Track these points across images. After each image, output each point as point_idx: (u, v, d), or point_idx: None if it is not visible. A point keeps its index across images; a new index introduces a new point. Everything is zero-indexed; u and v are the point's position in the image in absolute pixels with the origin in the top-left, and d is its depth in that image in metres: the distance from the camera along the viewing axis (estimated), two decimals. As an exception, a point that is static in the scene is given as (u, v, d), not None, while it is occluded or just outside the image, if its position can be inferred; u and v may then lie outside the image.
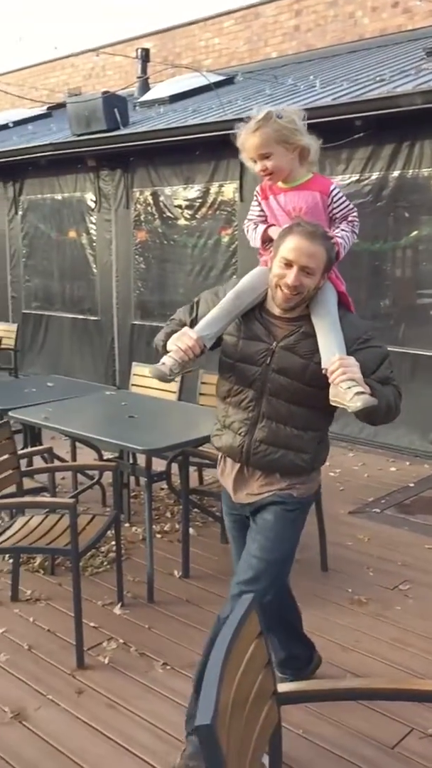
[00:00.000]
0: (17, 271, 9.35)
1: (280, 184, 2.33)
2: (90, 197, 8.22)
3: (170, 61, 11.11)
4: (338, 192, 2.33)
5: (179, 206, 7.30)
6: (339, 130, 5.80)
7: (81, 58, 12.85)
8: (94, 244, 8.27)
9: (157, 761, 2.42)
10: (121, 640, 3.14)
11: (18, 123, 10.97)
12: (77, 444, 4.64)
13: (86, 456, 4.80)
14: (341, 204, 2.34)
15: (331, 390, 2.11)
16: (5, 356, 8.14)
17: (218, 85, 8.34)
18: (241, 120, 2.30)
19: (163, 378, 2.21)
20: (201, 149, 6.86)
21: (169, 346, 2.24)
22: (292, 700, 1.80)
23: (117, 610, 3.40)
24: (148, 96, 9.47)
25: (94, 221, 8.24)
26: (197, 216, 7.14)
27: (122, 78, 11.97)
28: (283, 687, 1.74)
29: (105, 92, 7.99)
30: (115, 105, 7.63)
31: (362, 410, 2.05)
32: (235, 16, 10.74)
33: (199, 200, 7.09)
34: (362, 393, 2.05)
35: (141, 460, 4.03)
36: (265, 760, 1.78)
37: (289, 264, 2.14)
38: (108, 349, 8.18)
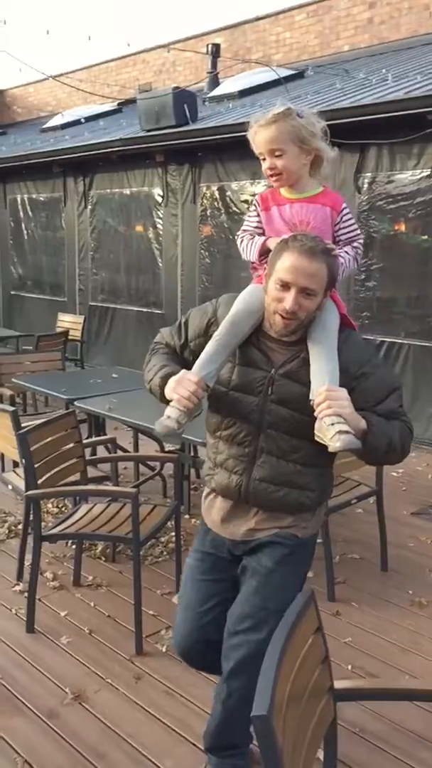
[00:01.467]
0: (85, 264, 9.53)
1: (285, 193, 2.10)
2: (158, 192, 8.31)
3: (240, 56, 11.11)
4: (348, 212, 2.12)
5: (246, 201, 7.30)
6: (411, 125, 5.69)
7: (152, 54, 12.97)
8: (161, 238, 8.36)
9: (211, 750, 2.44)
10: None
11: (89, 119, 11.17)
12: (140, 435, 4.72)
13: (148, 447, 4.87)
14: (349, 226, 2.11)
15: (317, 423, 1.88)
16: (72, 347, 8.32)
17: (288, 79, 8.30)
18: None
19: (172, 433, 1.93)
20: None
21: (169, 394, 1.97)
22: (349, 697, 1.80)
23: (175, 599, 3.45)
24: (218, 91, 9.50)
25: (161, 216, 8.33)
26: (263, 211, 7.12)
27: (192, 73, 12.03)
28: (340, 684, 1.74)
29: (175, 88, 8.05)
30: (184, 100, 7.68)
31: (345, 451, 1.84)
32: (308, 9, 10.64)
33: (266, 195, 7.07)
34: (345, 432, 1.81)
35: (202, 452, 4.06)
36: (320, 755, 1.79)
37: (286, 286, 1.88)
38: (172, 342, 8.27)
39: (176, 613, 2.21)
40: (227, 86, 9.53)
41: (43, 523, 3.31)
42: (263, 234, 2.12)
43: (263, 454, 2.02)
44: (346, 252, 2.07)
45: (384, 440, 1.93)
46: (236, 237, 2.20)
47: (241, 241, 2.16)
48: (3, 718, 2.62)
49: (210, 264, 7.83)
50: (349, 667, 2.96)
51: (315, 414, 1.86)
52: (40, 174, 9.89)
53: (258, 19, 11.39)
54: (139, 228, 8.69)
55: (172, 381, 1.97)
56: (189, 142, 7.44)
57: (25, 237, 10.50)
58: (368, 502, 3.98)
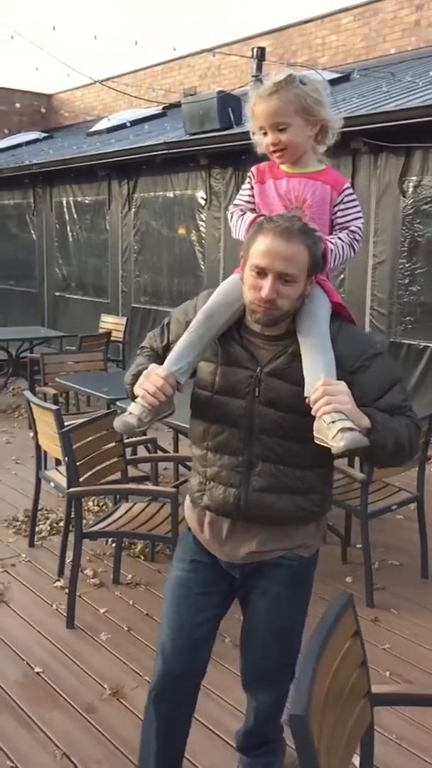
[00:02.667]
0: (128, 266, 9.63)
1: (284, 167, 1.90)
2: (201, 195, 8.36)
3: (286, 60, 11.10)
4: (351, 194, 1.92)
5: (289, 204, 7.29)
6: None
7: (197, 58, 13.05)
8: (203, 241, 8.40)
9: (247, 751, 2.45)
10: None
11: (134, 122, 11.30)
12: (179, 435, 4.75)
13: (188, 448, 4.91)
14: (349, 209, 1.90)
15: (315, 423, 1.68)
16: (114, 348, 8.42)
17: (333, 82, 8.26)
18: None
19: (131, 431, 1.75)
20: (313, 147, 6.82)
21: (136, 390, 1.79)
22: (386, 702, 1.79)
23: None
24: (262, 94, 9.50)
25: (203, 218, 8.37)
26: (307, 214, 7.11)
27: (237, 77, 12.07)
28: (377, 688, 1.73)
29: (220, 92, 8.09)
30: (229, 104, 7.71)
31: (350, 451, 1.63)
32: (354, 12, 10.59)
33: (309, 199, 7.05)
34: (349, 429, 1.61)
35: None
36: (356, 760, 1.78)
37: (262, 272, 1.69)
38: (213, 345, 8.30)
39: (162, 629, 2.01)
40: (272, 90, 9.51)
41: (83, 521, 3.36)
42: (255, 210, 1.94)
43: (259, 461, 1.83)
44: (339, 238, 1.87)
45: (391, 438, 1.73)
46: (227, 212, 2.01)
47: (231, 217, 1.97)
48: (43, 711, 2.67)
49: (252, 267, 7.84)
50: (387, 673, 2.94)
51: (312, 412, 1.66)
52: (85, 177, 10.03)
53: (304, 22, 11.37)
54: (181, 231, 8.75)
55: (141, 376, 1.81)
56: (233, 145, 7.47)
57: (70, 239, 10.66)
58: (409, 508, 3.95)
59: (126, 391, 1.97)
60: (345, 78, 9.10)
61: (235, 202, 1.99)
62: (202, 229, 8.43)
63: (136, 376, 1.85)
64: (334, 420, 1.62)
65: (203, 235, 8.42)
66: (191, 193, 8.51)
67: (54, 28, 12.32)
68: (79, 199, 10.42)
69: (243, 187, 1.98)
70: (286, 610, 1.94)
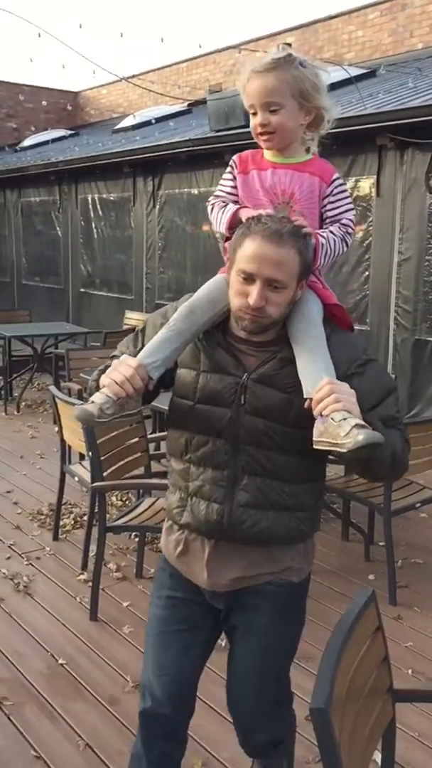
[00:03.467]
0: (153, 263, 9.66)
1: (269, 157, 1.75)
2: (226, 192, 8.35)
3: (312, 55, 11.05)
4: (341, 185, 1.77)
5: (314, 201, 7.27)
6: None
7: (223, 55, 13.03)
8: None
9: (268, 745, 2.46)
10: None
11: (159, 119, 11.32)
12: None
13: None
14: (339, 201, 1.76)
15: (317, 427, 1.52)
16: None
17: (359, 78, 8.22)
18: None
19: (90, 421, 1.58)
20: (338, 144, 6.79)
21: (103, 380, 1.64)
22: (408, 699, 1.79)
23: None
24: (288, 91, 9.48)
25: (228, 215, 8.37)
26: (331, 211, 7.08)
27: (262, 73, 12.02)
28: (399, 684, 1.73)
29: (245, 88, 8.07)
30: (254, 100, 7.70)
31: (364, 449, 1.44)
32: (381, 7, 10.51)
33: (334, 195, 7.02)
34: (362, 426, 1.46)
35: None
36: (377, 757, 1.78)
37: (249, 278, 1.57)
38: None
39: (144, 671, 1.88)
40: (297, 86, 9.49)
41: (107, 515, 3.39)
42: (238, 203, 1.77)
43: (245, 475, 1.69)
44: (330, 232, 1.73)
45: (388, 451, 1.60)
46: (207, 204, 1.84)
47: (212, 209, 1.81)
48: (66, 702, 2.70)
49: (276, 264, 7.83)
50: (410, 671, 2.93)
51: (316, 413, 1.52)
52: (110, 174, 10.08)
53: (330, 18, 11.31)
54: (206, 228, 8.76)
55: (110, 368, 1.66)
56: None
57: (95, 236, 10.72)
58: (432, 506, 3.92)
59: (90, 389, 1.78)
60: (371, 74, 9.04)
61: (216, 193, 1.82)
62: (226, 225, 8.42)
63: (103, 372, 1.70)
64: (346, 417, 1.47)
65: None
66: (216, 190, 8.51)
67: (80, 26, 12.39)
68: (104, 196, 10.48)
69: (224, 177, 1.81)
70: (276, 642, 1.79)
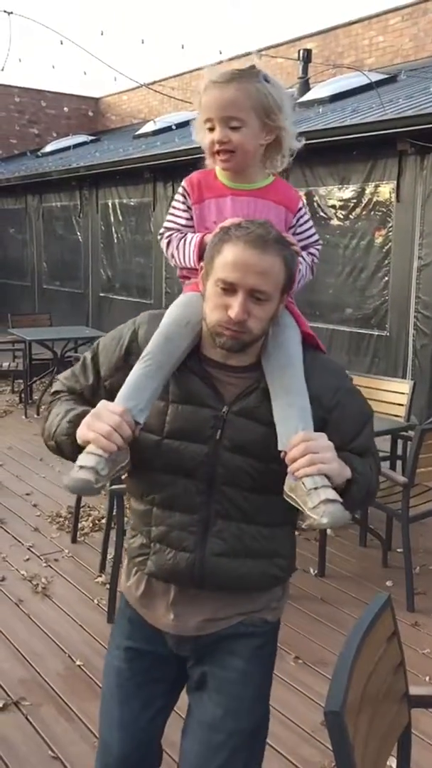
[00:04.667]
0: (172, 267, 9.70)
1: (224, 180, 1.57)
2: (245, 197, 8.38)
3: (332, 61, 11.06)
4: (305, 212, 1.65)
5: (333, 206, 7.27)
6: None
7: (243, 61, 13.01)
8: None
9: (285, 750, 2.47)
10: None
11: (180, 125, 11.37)
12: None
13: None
14: (307, 230, 1.65)
15: (288, 481, 1.40)
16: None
17: (380, 84, 8.21)
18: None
19: (89, 489, 1.33)
20: (358, 149, 6.80)
21: (83, 434, 1.39)
22: (424, 704, 1.78)
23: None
24: (308, 96, 9.50)
25: (247, 221, 8.39)
26: (351, 216, 7.08)
27: (283, 79, 12.00)
28: (415, 690, 1.73)
29: (265, 94, 8.09)
30: (274, 106, 7.72)
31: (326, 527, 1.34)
32: (402, 13, 10.50)
33: (354, 200, 7.03)
34: (332, 501, 1.32)
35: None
36: (392, 763, 1.78)
37: (230, 288, 1.39)
38: (255, 346, 8.32)
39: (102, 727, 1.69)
40: (317, 91, 9.51)
41: (125, 518, 3.41)
42: (194, 231, 1.60)
43: (219, 519, 1.51)
44: (303, 258, 1.61)
45: (364, 489, 1.50)
46: (159, 237, 1.66)
47: (169, 243, 1.62)
48: (83, 703, 2.72)
49: (295, 269, 7.84)
50: (427, 678, 2.92)
51: (289, 470, 1.38)
52: (131, 179, 10.15)
53: (351, 23, 11.31)
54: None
55: (87, 417, 1.40)
56: (278, 147, 7.48)
57: (115, 241, 10.80)
58: (451, 513, 3.90)
59: (58, 445, 1.52)
60: (392, 79, 9.02)
61: (167, 225, 1.63)
62: (245, 231, 8.45)
63: (75, 420, 1.45)
64: (317, 486, 1.34)
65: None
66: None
67: (102, 33, 12.49)
68: (124, 201, 10.55)
69: (174, 206, 1.62)
70: (250, 689, 1.57)
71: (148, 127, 12.22)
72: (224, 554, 1.52)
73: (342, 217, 7.19)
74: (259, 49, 12.09)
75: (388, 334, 6.70)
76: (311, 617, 3.37)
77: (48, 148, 14.46)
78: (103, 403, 1.42)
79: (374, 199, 6.84)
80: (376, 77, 8.43)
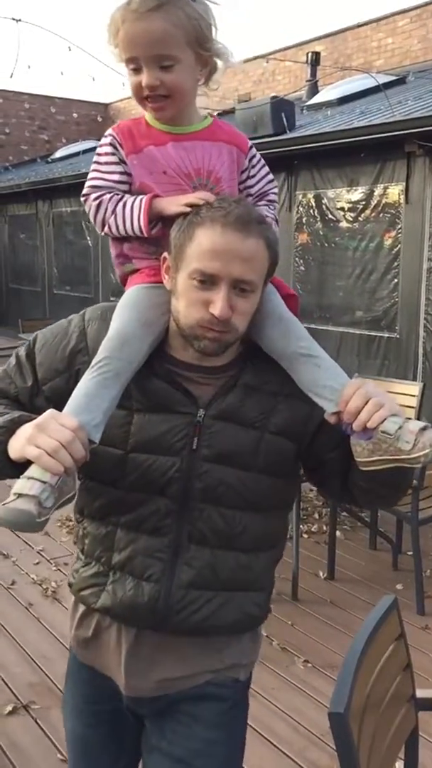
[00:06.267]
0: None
1: (159, 126, 1.29)
2: (254, 200, 8.40)
3: (341, 63, 11.06)
4: (256, 153, 1.38)
5: (342, 208, 7.26)
6: None
7: (251, 64, 13.10)
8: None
9: (293, 753, 2.46)
10: (264, 633, 3.21)
11: (189, 130, 11.41)
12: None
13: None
14: (261, 170, 1.37)
15: (359, 445, 1.19)
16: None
17: (388, 86, 8.20)
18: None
19: (31, 525, 1.05)
20: (366, 151, 6.79)
21: (21, 450, 1.10)
22: (431, 707, 1.77)
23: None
24: (316, 99, 9.51)
25: (256, 224, 8.41)
26: (360, 218, 7.07)
27: (292, 82, 12.08)
28: (422, 692, 1.72)
29: (273, 97, 8.11)
30: (282, 109, 7.73)
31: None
32: (411, 14, 10.50)
33: (363, 203, 7.01)
34: (426, 428, 1.14)
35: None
36: (399, 765, 1.77)
37: (210, 280, 1.18)
38: (265, 349, 8.32)
39: None
40: (326, 94, 9.51)
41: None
42: (130, 193, 1.29)
43: (191, 544, 1.29)
44: (267, 214, 1.35)
45: None
46: (83, 199, 1.34)
47: (99, 206, 1.30)
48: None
49: (304, 272, 7.83)
50: (437, 682, 2.90)
51: (356, 427, 1.15)
52: (140, 184, 10.17)
53: (359, 25, 11.32)
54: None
55: (26, 427, 1.12)
56: (285, 150, 7.48)
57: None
58: (461, 515, 3.88)
59: None
60: (401, 81, 9.01)
61: (94, 183, 1.31)
62: (254, 234, 8.46)
63: (10, 427, 1.16)
64: (400, 424, 1.13)
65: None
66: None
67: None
68: (134, 205, 10.57)
69: (100, 159, 1.31)
70: (218, 762, 1.35)
71: (157, 132, 12.25)
72: (194, 585, 1.30)
73: (351, 219, 7.18)
74: (267, 53, 12.16)
75: (398, 336, 6.68)
76: (320, 620, 3.36)
77: (58, 154, 14.54)
78: (51, 413, 1.13)
79: (383, 201, 6.83)
80: (384, 79, 8.42)
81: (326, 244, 7.50)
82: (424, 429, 1.13)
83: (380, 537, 4.14)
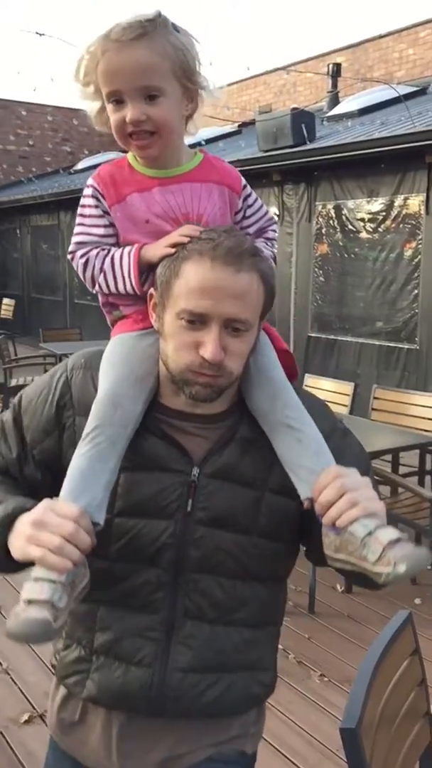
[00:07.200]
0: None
1: (143, 169, 1.18)
2: (273, 211, 8.40)
3: (362, 74, 11.08)
4: (251, 190, 1.27)
5: (362, 219, 7.26)
6: None
7: (273, 76, 13.17)
8: (275, 256, 8.45)
9: (307, 767, 2.44)
10: (281, 646, 3.18)
11: (210, 140, 11.46)
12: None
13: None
14: (259, 209, 1.28)
15: (328, 536, 1.04)
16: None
17: (409, 96, 8.20)
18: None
19: (48, 633, 0.94)
20: (387, 162, 6.79)
21: (23, 552, 1.00)
22: (446, 724, 1.75)
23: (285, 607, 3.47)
24: (337, 110, 9.53)
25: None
26: (380, 229, 7.06)
27: (313, 93, 12.11)
28: (437, 709, 1.70)
29: (294, 109, 8.14)
30: (302, 121, 7.76)
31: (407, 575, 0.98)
32: None
33: (383, 213, 7.00)
34: (399, 540, 0.99)
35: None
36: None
37: (199, 320, 1.06)
38: (284, 360, 8.32)
39: None
40: (347, 105, 9.53)
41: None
42: (118, 244, 1.20)
43: (187, 620, 1.16)
44: (264, 248, 1.23)
45: None
46: (70, 257, 1.24)
47: (86, 263, 1.20)
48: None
49: (324, 282, 7.82)
50: (455, 698, 2.86)
51: (325, 522, 1.02)
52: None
53: (381, 36, 11.34)
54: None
55: (24, 524, 1.02)
56: (305, 161, 7.50)
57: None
58: None
59: None
60: (421, 92, 9.01)
61: (79, 239, 1.22)
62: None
63: (6, 523, 1.05)
64: (371, 530, 1.00)
65: (275, 250, 8.47)
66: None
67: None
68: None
69: (84, 213, 1.22)
70: None
71: (179, 143, 12.34)
72: (192, 669, 1.16)
73: (371, 230, 7.17)
74: (289, 64, 12.21)
75: (418, 347, 6.64)
76: (337, 634, 3.34)
77: (80, 166, 14.69)
78: (47, 504, 1.01)
79: (403, 212, 6.81)
80: (405, 90, 8.42)
81: (346, 255, 7.50)
82: (395, 542, 0.99)
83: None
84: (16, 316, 12.19)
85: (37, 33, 6.05)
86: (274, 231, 1.32)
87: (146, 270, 1.16)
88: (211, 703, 1.18)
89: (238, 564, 1.16)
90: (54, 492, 1.08)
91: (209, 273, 1.05)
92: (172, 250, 1.10)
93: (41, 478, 1.19)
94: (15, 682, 2.92)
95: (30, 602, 0.96)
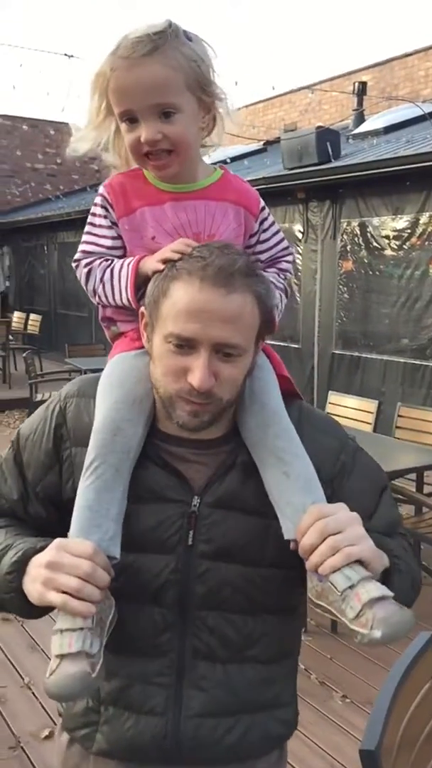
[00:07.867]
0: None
1: (157, 183, 1.14)
2: (298, 228, 8.43)
3: (387, 93, 11.11)
4: (269, 214, 1.23)
5: (387, 237, 7.25)
6: None
7: (298, 94, 13.26)
8: (299, 273, 8.46)
9: (328, 791, 2.41)
10: (302, 666, 3.17)
11: (235, 159, 11.55)
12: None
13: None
14: (274, 235, 1.23)
15: (312, 581, 0.98)
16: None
17: (434, 114, 8.20)
18: None
19: (88, 683, 0.90)
20: (412, 179, 6.78)
21: (42, 598, 0.95)
22: (470, 749, 1.72)
23: (301, 636, 3.44)
24: (362, 128, 9.56)
25: (300, 251, 8.43)
26: (405, 246, 7.04)
27: (338, 111, 12.17)
28: (460, 733, 1.67)
29: (319, 127, 8.18)
30: (327, 139, 7.79)
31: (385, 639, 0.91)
32: (457, 43, 10.52)
33: (408, 231, 6.99)
34: (382, 599, 0.93)
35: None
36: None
37: (188, 344, 1.00)
38: (307, 376, 8.29)
39: None
40: (372, 123, 9.56)
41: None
42: (125, 257, 1.16)
43: (199, 661, 1.09)
44: (272, 282, 1.15)
45: (408, 579, 1.11)
46: (74, 266, 1.21)
47: (89, 273, 1.17)
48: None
49: (348, 299, 7.81)
50: None
51: (308, 566, 0.96)
52: (186, 212, 10.31)
53: (407, 55, 11.37)
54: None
55: (38, 567, 0.97)
56: (330, 179, 7.52)
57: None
58: None
59: (1, 605, 1.06)
60: (447, 109, 9.01)
61: (85, 248, 1.19)
62: (298, 261, 8.48)
63: (20, 567, 1.00)
64: (353, 583, 0.93)
65: (299, 268, 8.47)
66: (288, 227, 8.60)
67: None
68: (180, 233, 10.72)
69: (93, 222, 1.18)
70: None
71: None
72: (208, 713, 1.09)
73: (396, 247, 7.15)
74: (314, 83, 12.29)
75: (443, 365, 6.59)
76: (361, 655, 3.30)
77: (107, 183, 14.85)
78: (59, 544, 0.96)
79: (428, 229, 6.80)
80: (430, 108, 8.42)
81: (371, 272, 7.48)
82: (377, 600, 0.92)
83: (423, 571, 4.05)
84: (42, 332, 12.32)
85: (65, 55, 6.17)
86: (289, 262, 1.26)
87: (143, 284, 1.10)
88: (230, 749, 1.12)
89: (247, 598, 1.09)
90: (62, 526, 1.04)
91: (197, 294, 0.98)
92: (162, 266, 1.05)
93: (47, 515, 1.14)
94: (36, 697, 2.93)
95: (63, 657, 0.92)
